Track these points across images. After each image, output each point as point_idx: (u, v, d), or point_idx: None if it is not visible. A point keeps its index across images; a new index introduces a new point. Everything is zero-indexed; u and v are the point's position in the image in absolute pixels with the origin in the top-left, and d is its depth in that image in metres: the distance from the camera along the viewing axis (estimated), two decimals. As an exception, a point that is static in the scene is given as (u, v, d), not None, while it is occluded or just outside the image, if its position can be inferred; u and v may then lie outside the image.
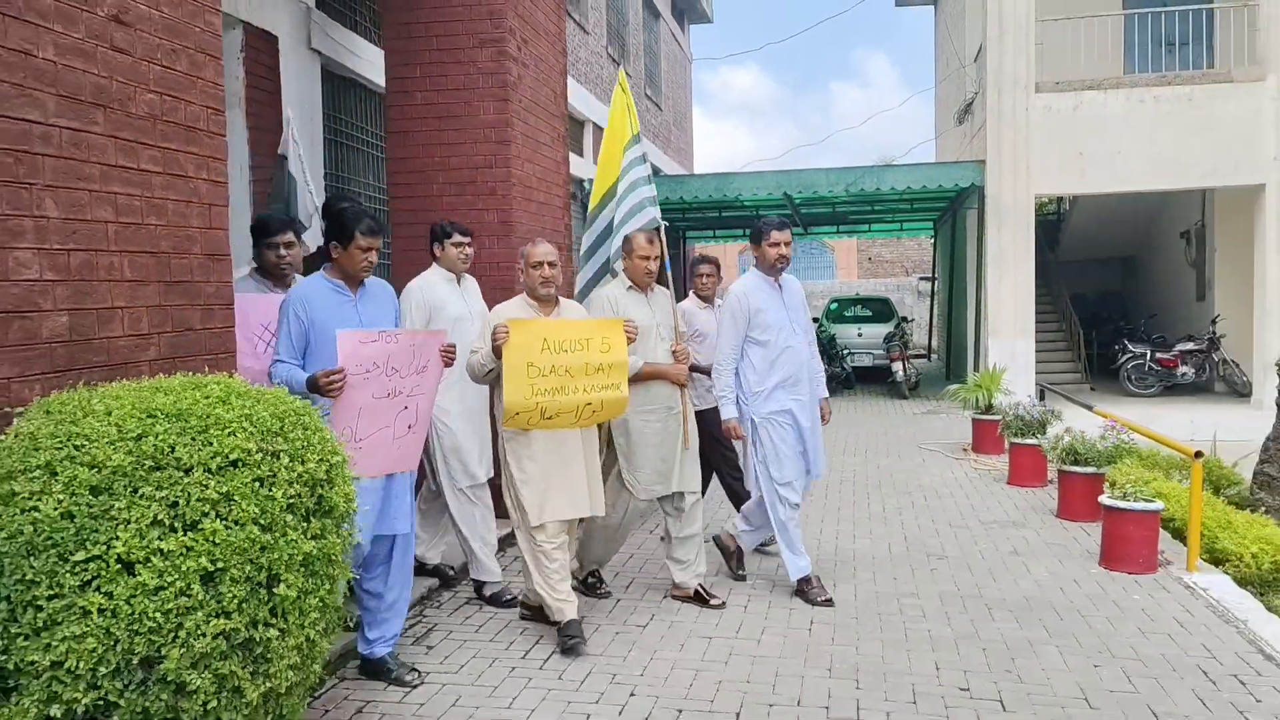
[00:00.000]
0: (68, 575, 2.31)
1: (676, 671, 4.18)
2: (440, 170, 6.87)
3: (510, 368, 4.27)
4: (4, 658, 2.31)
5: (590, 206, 5.71)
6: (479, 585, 5.18)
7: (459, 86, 6.88)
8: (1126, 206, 16.20)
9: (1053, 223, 19.26)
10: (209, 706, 2.48)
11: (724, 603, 5.02)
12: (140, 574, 2.36)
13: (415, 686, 4.03)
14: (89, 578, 2.33)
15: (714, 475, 6.33)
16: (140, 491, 2.43)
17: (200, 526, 2.47)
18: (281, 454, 2.72)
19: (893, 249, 34.49)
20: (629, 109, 5.55)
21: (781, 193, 14.67)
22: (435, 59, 6.87)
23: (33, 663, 2.30)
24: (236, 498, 2.55)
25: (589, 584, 5.23)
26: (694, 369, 6.16)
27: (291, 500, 2.69)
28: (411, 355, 3.95)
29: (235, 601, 2.50)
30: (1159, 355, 14.93)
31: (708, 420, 5.71)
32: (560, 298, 4.71)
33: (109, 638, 2.32)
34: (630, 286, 5.04)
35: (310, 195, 5.76)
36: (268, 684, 2.64)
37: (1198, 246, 16.07)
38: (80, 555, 2.32)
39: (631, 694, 3.95)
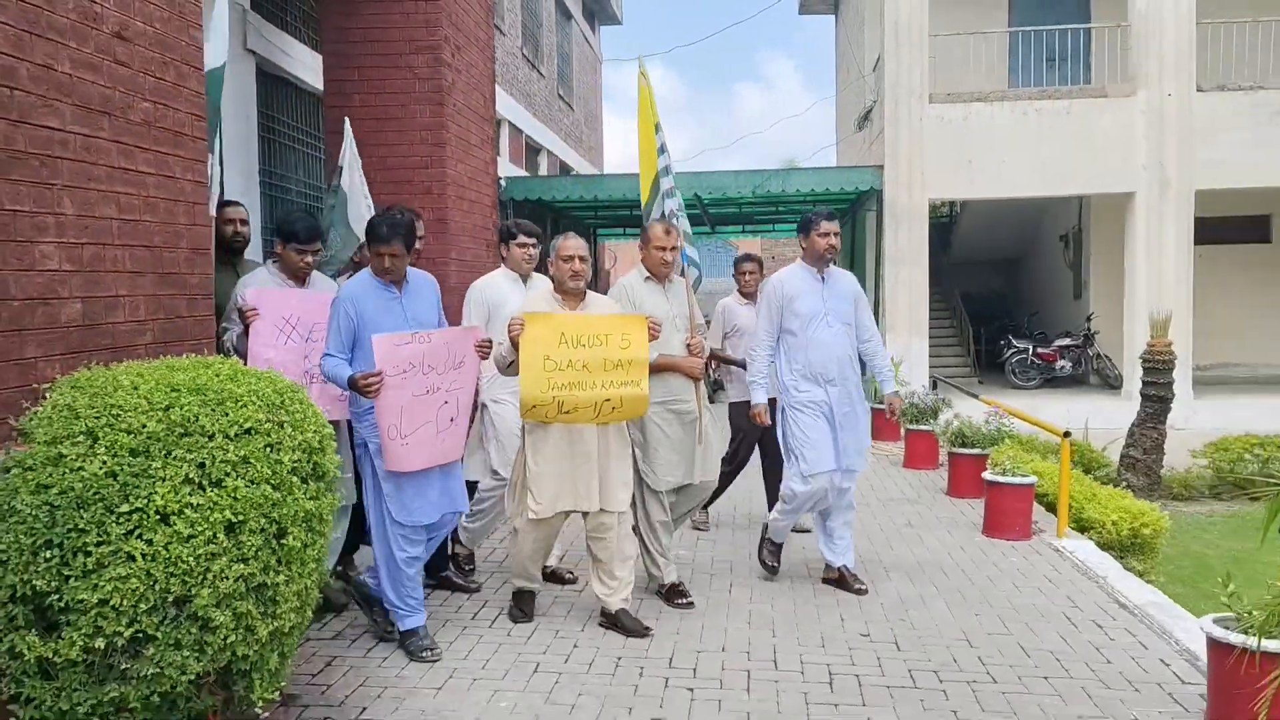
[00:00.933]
0: (114, 525, 2.68)
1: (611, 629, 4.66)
2: (378, 169, 7.19)
3: (526, 361, 4.28)
4: (55, 597, 2.66)
5: (643, 202, 5.65)
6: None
7: (396, 90, 7.24)
8: (1011, 211, 17.24)
9: (945, 225, 20.31)
10: (228, 640, 2.87)
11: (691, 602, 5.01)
12: (175, 524, 2.75)
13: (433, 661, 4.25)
14: (132, 527, 2.70)
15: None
16: (173, 454, 2.81)
17: (224, 484, 2.86)
18: (285, 424, 3.12)
19: (795, 249, 35.50)
20: (650, 97, 5.44)
21: (692, 193, 15.24)
22: (373, 64, 7.22)
23: (81, 601, 2.66)
24: (252, 460, 2.95)
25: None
26: (727, 361, 6.46)
27: (295, 464, 3.09)
28: (447, 353, 4.20)
29: (253, 550, 2.90)
30: (1040, 350, 16.01)
31: (741, 411, 5.90)
32: (590, 292, 4.68)
33: (149, 579, 2.70)
34: (648, 277, 5.00)
35: (365, 202, 6.02)
36: (275, 623, 3.03)
37: (1075, 249, 17.26)
38: (125, 507, 2.70)
39: (575, 645, 4.43)
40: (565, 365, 4.27)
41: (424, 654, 4.27)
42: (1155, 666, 4.20)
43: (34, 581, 2.64)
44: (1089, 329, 15.85)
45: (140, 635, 2.73)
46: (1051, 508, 7.01)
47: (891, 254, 14.46)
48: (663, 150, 5.45)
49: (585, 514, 4.55)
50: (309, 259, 4.56)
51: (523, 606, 4.77)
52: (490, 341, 4.46)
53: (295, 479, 3.08)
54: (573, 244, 4.56)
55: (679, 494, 5.06)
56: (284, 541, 3.02)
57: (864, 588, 5.17)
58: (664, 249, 4.91)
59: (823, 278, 5.20)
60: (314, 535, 3.19)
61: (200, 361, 3.22)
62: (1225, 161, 13.72)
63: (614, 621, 4.58)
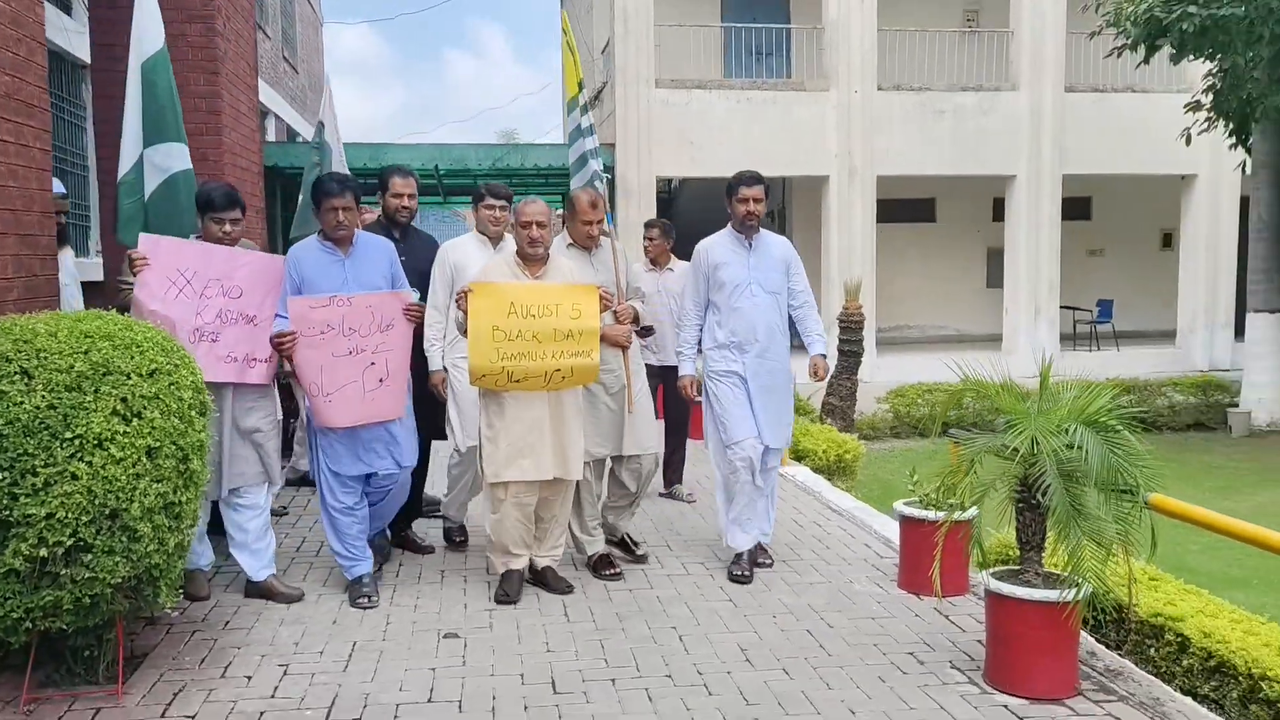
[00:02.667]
0: (59, 449, 3.13)
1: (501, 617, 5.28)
2: (152, 135, 7.32)
3: (474, 330, 4.29)
4: (8, 512, 3.07)
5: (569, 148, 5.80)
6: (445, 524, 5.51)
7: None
8: (713, 187, 18.99)
9: (665, 200, 21.90)
10: (148, 549, 3.36)
11: (647, 555, 5.18)
12: (109, 449, 3.21)
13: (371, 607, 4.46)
14: (74, 451, 3.15)
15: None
16: (100, 390, 3.26)
17: (143, 415, 3.34)
18: (179, 366, 3.61)
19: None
20: (572, 51, 5.53)
21: (433, 165, 15.70)
22: (146, 30, 7.29)
23: (30, 515, 3.09)
24: (162, 396, 3.44)
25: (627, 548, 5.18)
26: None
27: (191, 400, 3.60)
28: (370, 316, 4.34)
29: (168, 472, 3.40)
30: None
31: (652, 374, 5.76)
32: (553, 256, 4.61)
33: (90, 494, 3.16)
34: (570, 243, 4.92)
35: (342, 160, 5.98)
36: (179, 536, 3.55)
37: (779, 225, 19.29)
38: (68, 434, 3.14)
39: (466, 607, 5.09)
40: (515, 335, 4.28)
41: (359, 601, 4.46)
42: (861, 549, 5.48)
43: (-15, 501, 3.05)
44: (792, 296, 17.86)
45: (80, 544, 3.19)
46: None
47: (623, 226, 15.65)
48: (585, 110, 5.51)
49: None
50: (228, 228, 4.38)
51: (507, 587, 4.61)
52: (420, 306, 4.59)
53: (194, 413, 3.59)
54: (532, 209, 4.46)
55: (625, 470, 5.00)
56: (189, 466, 3.53)
57: (769, 560, 5.06)
58: (590, 222, 4.82)
59: (750, 244, 5.03)
60: (204, 463, 3.70)
61: (91, 313, 3.62)
62: (900, 152, 15.97)
63: (540, 579, 4.68)
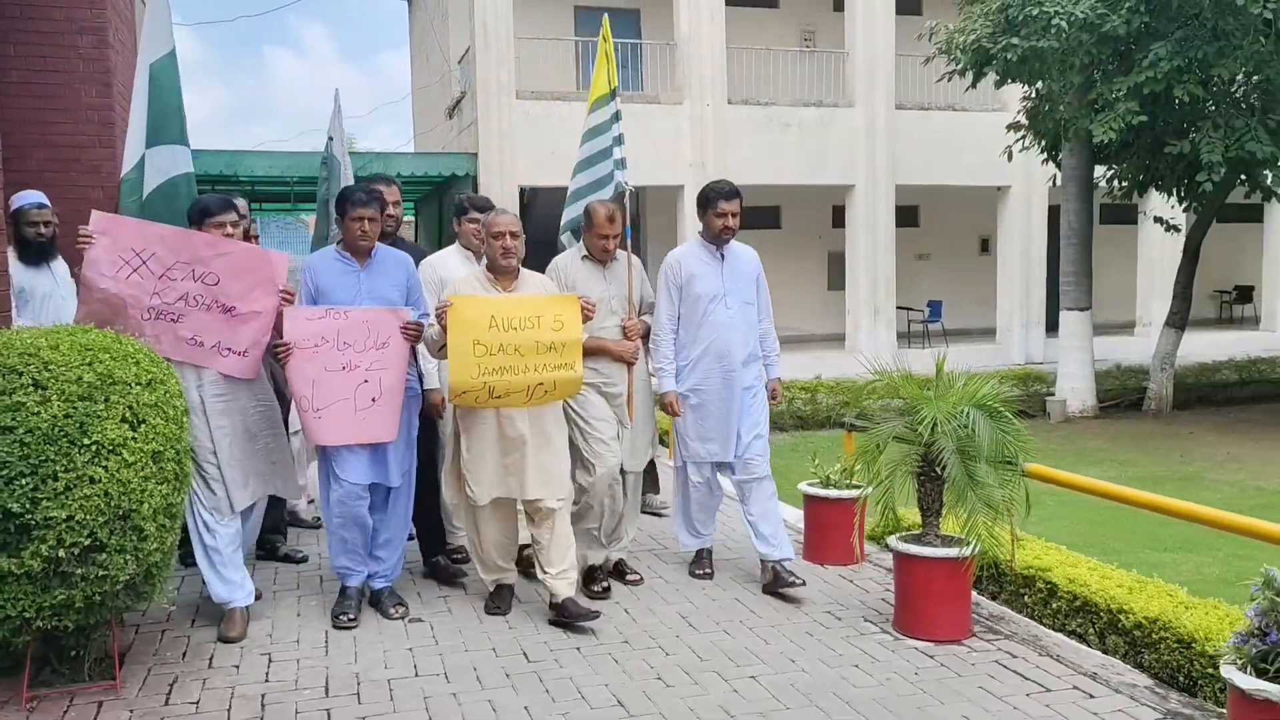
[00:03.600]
0: (78, 455, 3.32)
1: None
2: (39, 147, 7.19)
3: (455, 346, 4.17)
4: (29, 516, 3.25)
5: (580, 149, 5.65)
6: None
7: (59, 69, 7.26)
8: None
9: (524, 208, 22.25)
10: (152, 547, 3.59)
11: (641, 578, 5.02)
12: (121, 454, 3.43)
13: (398, 618, 4.47)
14: (91, 456, 3.35)
15: None
16: (109, 399, 3.47)
17: (147, 422, 3.56)
18: (170, 375, 3.83)
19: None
20: (609, 58, 5.39)
21: (290, 173, 15.56)
22: (33, 40, 7.17)
23: (50, 518, 3.28)
24: (161, 404, 3.66)
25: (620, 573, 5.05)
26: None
27: (181, 406, 3.82)
28: (366, 331, 4.27)
29: (169, 474, 3.63)
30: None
31: None
32: (522, 269, 4.54)
33: (107, 497, 3.37)
34: (585, 256, 4.83)
35: (349, 173, 6.00)
36: (172, 536, 3.77)
37: (635, 234, 19.92)
38: (86, 441, 3.34)
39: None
40: (496, 349, 4.18)
41: (340, 617, 4.40)
42: (762, 528, 6.07)
43: (9, 505, 3.22)
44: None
45: (95, 544, 3.39)
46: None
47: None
48: (617, 118, 5.31)
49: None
50: (229, 231, 4.40)
51: (499, 601, 4.59)
52: (419, 325, 4.42)
53: (184, 418, 3.82)
54: (504, 220, 4.41)
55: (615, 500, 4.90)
56: (182, 468, 3.76)
57: (799, 580, 4.78)
58: (607, 236, 4.74)
59: (722, 255, 4.96)
60: (187, 466, 3.92)
61: (76, 327, 3.79)
62: (749, 162, 16.84)
63: (561, 610, 4.39)
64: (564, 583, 4.40)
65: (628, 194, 5.08)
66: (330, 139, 6.42)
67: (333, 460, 4.39)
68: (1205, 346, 17.12)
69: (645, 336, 4.95)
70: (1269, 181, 11.14)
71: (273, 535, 5.40)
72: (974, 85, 12.38)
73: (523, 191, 22.15)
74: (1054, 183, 15.10)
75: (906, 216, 18.86)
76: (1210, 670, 3.68)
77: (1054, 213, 18.27)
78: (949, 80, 12.53)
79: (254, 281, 4.23)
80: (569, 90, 16.77)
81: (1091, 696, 3.68)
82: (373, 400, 4.29)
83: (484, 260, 4.67)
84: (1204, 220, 12.80)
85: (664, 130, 16.67)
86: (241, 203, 4.97)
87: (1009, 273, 18.23)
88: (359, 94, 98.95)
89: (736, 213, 4.90)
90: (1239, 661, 2.92)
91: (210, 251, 4.20)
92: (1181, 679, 3.82)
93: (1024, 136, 12.98)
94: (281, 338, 4.27)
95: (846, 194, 17.50)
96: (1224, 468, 9.69)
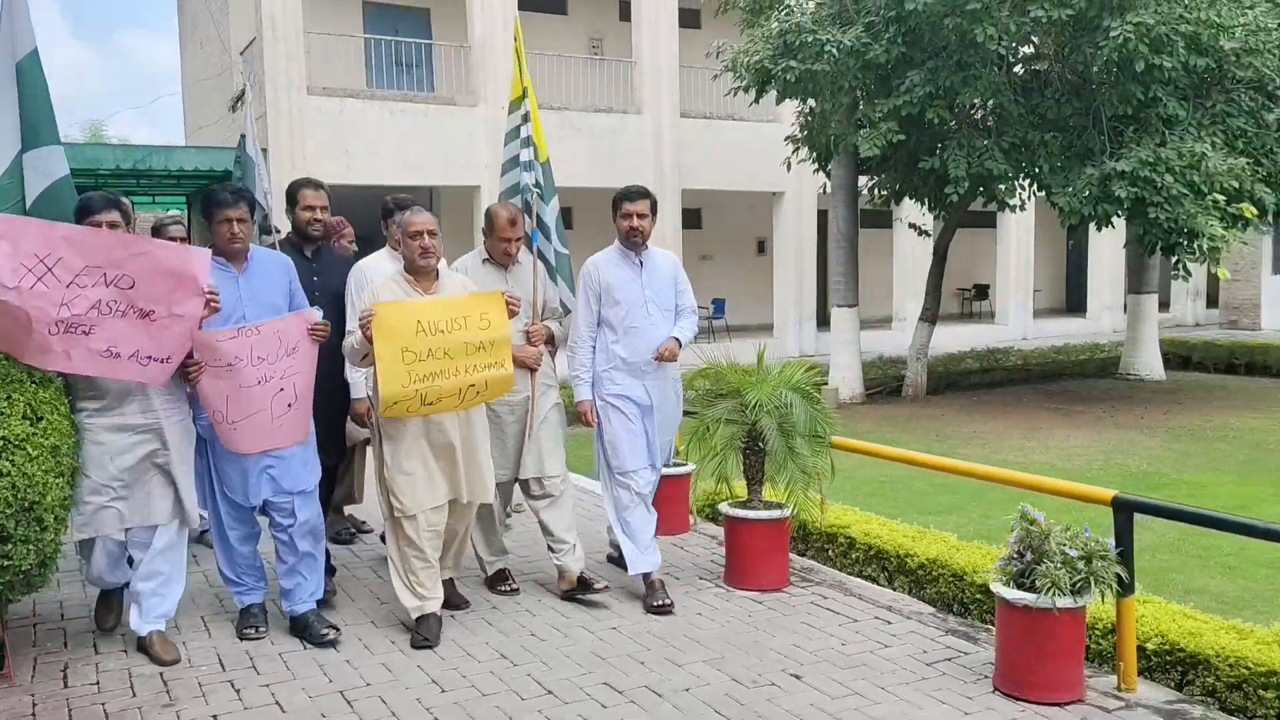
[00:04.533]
0: (-15, 450, 3.46)
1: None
2: None
3: (383, 356, 4.01)
4: (-61, 510, 3.36)
5: (504, 149, 5.43)
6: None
7: None
8: (371, 196, 19.41)
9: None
10: (50, 537, 3.74)
11: (608, 585, 4.84)
12: (25, 448, 3.58)
13: (333, 643, 4.23)
14: (-1, 451, 3.49)
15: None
16: (10, 396, 3.61)
17: (45, 419, 3.71)
18: (52, 376, 3.96)
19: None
20: (520, 59, 5.24)
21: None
22: None
23: (-41, 511, 3.40)
24: (55, 401, 3.81)
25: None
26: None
27: (65, 405, 3.96)
28: (277, 342, 4.11)
29: (65, 468, 3.79)
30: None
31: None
32: (440, 269, 4.37)
33: (14, 489, 3.52)
34: (487, 259, 4.76)
35: (264, 173, 5.64)
36: (66, 526, 3.92)
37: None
38: (-7, 437, 3.48)
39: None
40: (425, 355, 4.04)
41: (247, 632, 4.30)
42: (593, 509, 6.64)
43: (-80, 500, 3.32)
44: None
45: (3, 536, 3.52)
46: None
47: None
48: (527, 119, 5.13)
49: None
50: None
51: (425, 632, 4.28)
52: (327, 325, 4.28)
53: (73, 415, 3.97)
54: (421, 219, 4.23)
55: (535, 500, 4.90)
56: (74, 463, 3.91)
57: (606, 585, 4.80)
58: (508, 240, 4.67)
59: (640, 262, 4.87)
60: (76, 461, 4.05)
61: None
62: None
63: (498, 578, 4.88)
64: (449, 570, 4.63)
65: (534, 196, 4.97)
66: (243, 137, 6.14)
67: (224, 478, 4.25)
68: (951, 339, 19.17)
69: (549, 341, 4.89)
70: (1003, 194, 12.79)
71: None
72: (757, 101, 13.46)
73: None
74: (824, 190, 16.54)
75: (691, 219, 19.97)
76: (979, 596, 4.58)
77: (822, 217, 19.92)
78: (734, 95, 13.54)
79: (174, 282, 3.89)
80: (360, 88, 16.73)
81: (890, 623, 4.49)
82: (289, 406, 4.18)
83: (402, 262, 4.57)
84: (950, 226, 14.44)
85: (459, 132, 16.93)
86: (126, 202, 4.72)
87: (784, 272, 19.67)
88: (96, 75, 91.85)
89: (644, 214, 4.79)
90: (1003, 579, 3.76)
91: (124, 252, 3.83)
92: (956, 606, 4.70)
93: (799, 148, 14.19)
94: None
95: (635, 197, 18.35)
96: (971, 443, 11.11)
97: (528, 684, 3.88)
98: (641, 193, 4.86)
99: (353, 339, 4.25)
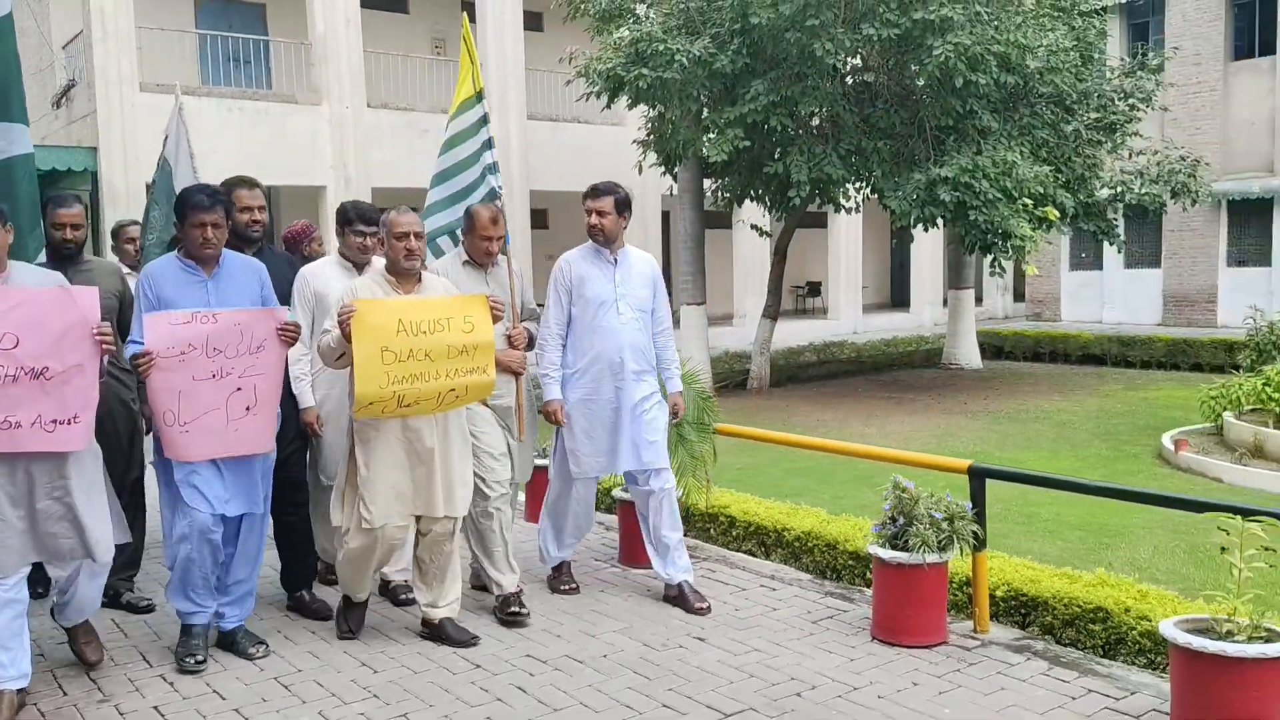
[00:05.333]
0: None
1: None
2: None
3: (362, 354, 3.89)
4: None
5: (440, 158, 5.21)
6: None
7: None
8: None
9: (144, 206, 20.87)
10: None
11: (577, 586, 4.96)
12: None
13: (260, 658, 4.14)
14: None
15: None
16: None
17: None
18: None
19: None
20: (473, 61, 5.00)
21: None
22: None
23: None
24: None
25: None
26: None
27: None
28: (239, 335, 3.89)
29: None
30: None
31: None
32: (423, 273, 4.29)
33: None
34: (467, 261, 4.66)
35: (194, 176, 5.25)
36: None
37: (271, 235, 19.55)
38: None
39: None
40: (406, 356, 3.93)
41: (186, 660, 4.02)
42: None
43: None
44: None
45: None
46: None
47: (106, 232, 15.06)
48: (485, 121, 4.99)
49: (418, 518, 4.23)
50: (68, 235, 4.33)
51: (350, 619, 4.34)
52: (296, 326, 4.15)
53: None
54: (407, 220, 4.12)
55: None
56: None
57: (705, 606, 4.67)
58: (490, 238, 4.58)
59: (615, 259, 4.75)
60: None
61: None
62: (392, 165, 17.33)
63: (437, 632, 4.31)
64: (446, 609, 4.31)
65: (501, 200, 4.85)
66: (165, 139, 5.82)
67: (183, 487, 3.95)
68: (789, 334, 20.17)
69: (529, 345, 4.81)
70: (840, 197, 13.69)
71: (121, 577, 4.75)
72: (609, 106, 13.91)
73: (149, 188, 20.88)
74: (670, 192, 17.15)
75: (538, 219, 20.25)
76: (850, 563, 5.13)
77: (665, 218, 20.60)
78: (586, 100, 13.93)
79: (61, 329, 3.49)
80: (195, 85, 16.24)
81: (775, 590, 4.99)
82: (247, 409, 3.93)
83: (365, 272, 4.59)
84: (790, 227, 15.29)
85: (302, 131, 16.67)
86: (78, 208, 4.55)
87: (629, 271, 20.22)
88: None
89: (604, 211, 4.68)
90: (880, 542, 4.29)
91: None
92: (830, 573, 5.24)
93: (647, 152, 14.72)
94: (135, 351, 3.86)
95: (484, 198, 18.49)
96: (816, 431, 11.85)
97: (456, 661, 4.15)
98: (600, 190, 4.74)
99: (329, 338, 4.08)
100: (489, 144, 4.96)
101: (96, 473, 3.80)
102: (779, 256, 15.51)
